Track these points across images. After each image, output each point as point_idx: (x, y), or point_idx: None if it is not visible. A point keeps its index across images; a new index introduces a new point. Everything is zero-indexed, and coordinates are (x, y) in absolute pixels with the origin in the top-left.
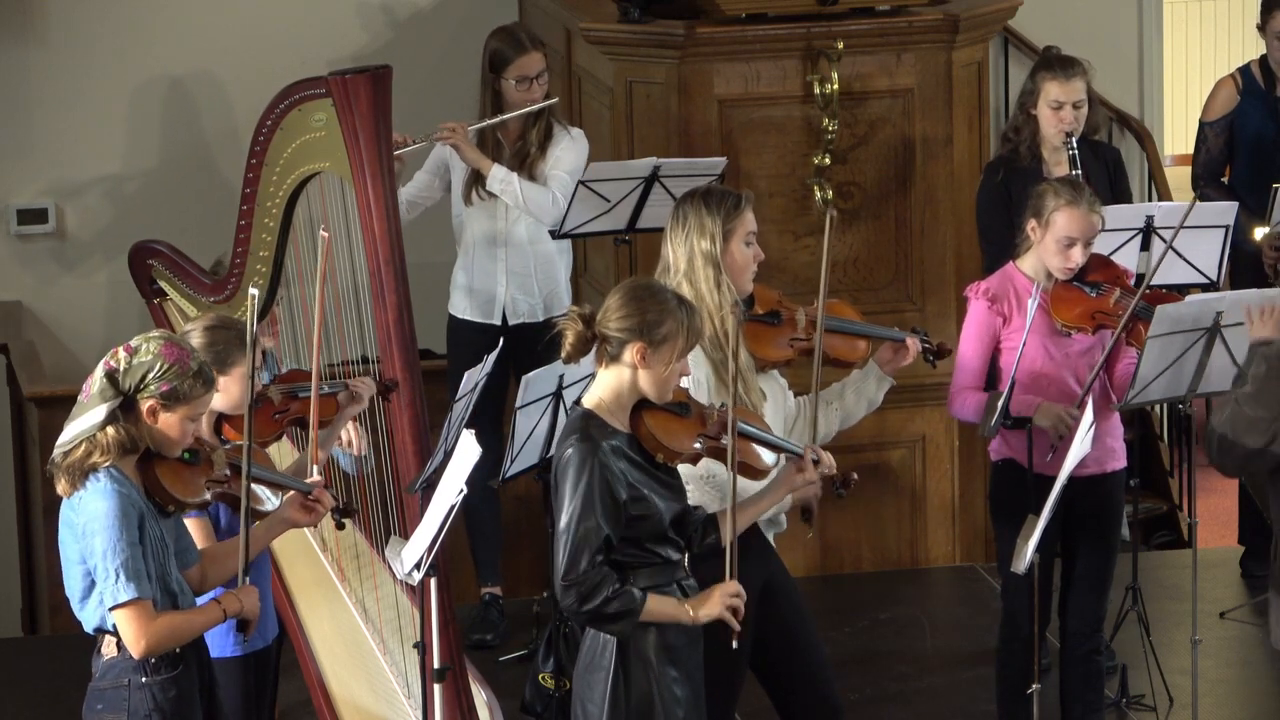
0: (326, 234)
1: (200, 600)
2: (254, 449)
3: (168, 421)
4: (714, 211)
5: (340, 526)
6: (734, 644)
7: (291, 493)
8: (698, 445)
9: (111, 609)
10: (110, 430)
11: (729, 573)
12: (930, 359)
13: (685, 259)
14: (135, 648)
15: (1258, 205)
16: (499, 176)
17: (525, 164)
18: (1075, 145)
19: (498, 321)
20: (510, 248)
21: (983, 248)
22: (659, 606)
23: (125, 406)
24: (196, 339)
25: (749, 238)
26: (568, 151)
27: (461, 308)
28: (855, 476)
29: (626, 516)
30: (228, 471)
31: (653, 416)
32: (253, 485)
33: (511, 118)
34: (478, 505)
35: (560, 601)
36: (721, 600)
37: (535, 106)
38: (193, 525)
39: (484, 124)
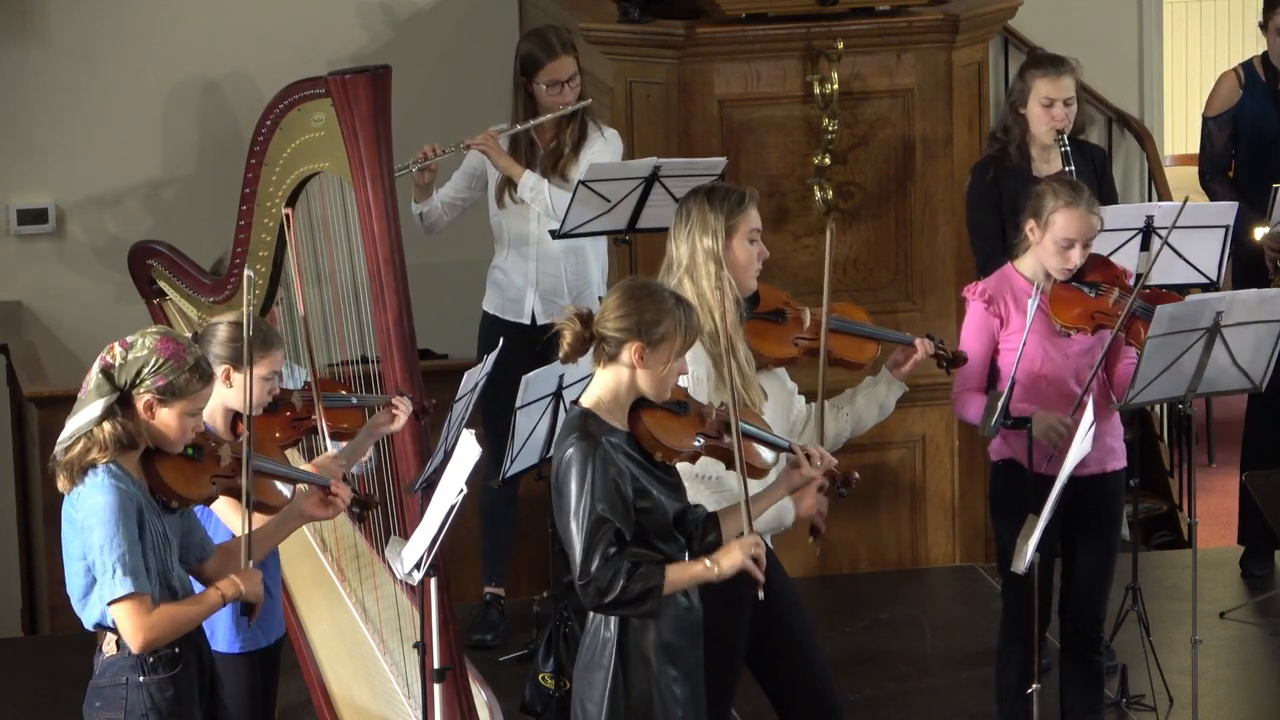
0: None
1: None
2: (268, 444)
3: (165, 417)
4: (717, 208)
5: (362, 519)
6: (760, 594)
7: (308, 486)
8: (696, 444)
9: (109, 603)
10: (107, 426)
11: (747, 528)
12: (944, 365)
13: (688, 255)
14: (134, 642)
15: (1261, 200)
16: (529, 184)
17: (558, 166)
18: (1067, 142)
19: (527, 321)
20: (541, 249)
21: (974, 246)
22: (679, 574)
23: (122, 402)
24: (221, 334)
25: (753, 235)
26: (600, 154)
27: (494, 305)
28: (857, 475)
29: (633, 511)
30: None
31: (651, 415)
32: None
33: (544, 121)
34: (498, 505)
35: (582, 600)
36: (742, 550)
37: (567, 109)
38: (224, 504)
39: (516, 128)
